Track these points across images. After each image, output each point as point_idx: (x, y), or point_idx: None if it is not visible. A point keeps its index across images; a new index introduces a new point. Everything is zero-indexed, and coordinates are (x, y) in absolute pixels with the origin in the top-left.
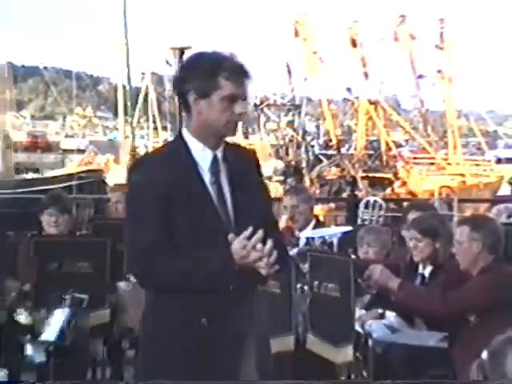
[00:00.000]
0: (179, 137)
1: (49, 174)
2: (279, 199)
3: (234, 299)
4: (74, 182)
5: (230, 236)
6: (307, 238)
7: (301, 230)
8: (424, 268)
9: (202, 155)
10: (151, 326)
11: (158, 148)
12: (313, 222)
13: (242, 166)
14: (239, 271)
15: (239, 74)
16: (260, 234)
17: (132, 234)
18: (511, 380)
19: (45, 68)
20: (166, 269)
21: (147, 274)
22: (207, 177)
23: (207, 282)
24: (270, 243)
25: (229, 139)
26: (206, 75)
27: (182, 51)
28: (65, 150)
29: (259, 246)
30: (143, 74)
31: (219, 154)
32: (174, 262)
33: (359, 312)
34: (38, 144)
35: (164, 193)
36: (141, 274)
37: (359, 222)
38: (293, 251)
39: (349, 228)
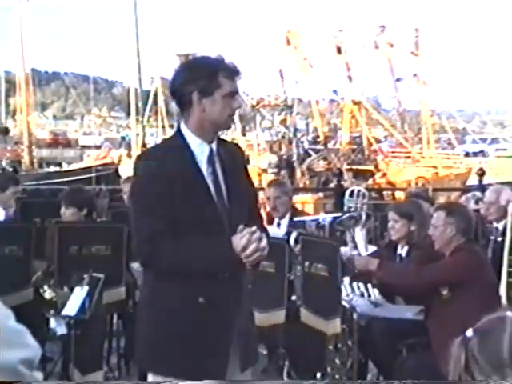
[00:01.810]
0: (178, 132)
1: (69, 167)
2: None
3: (229, 281)
4: (91, 175)
5: (241, 227)
6: (295, 222)
7: (281, 218)
8: (402, 248)
9: (200, 149)
10: (154, 305)
11: (160, 143)
12: (290, 211)
13: (231, 158)
14: (235, 258)
15: (234, 72)
16: (258, 233)
17: (137, 222)
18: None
19: (65, 73)
20: (168, 254)
21: (151, 258)
22: (205, 168)
23: (206, 267)
24: (264, 241)
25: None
26: (208, 76)
27: (186, 57)
28: (83, 146)
29: (263, 243)
30: (152, 78)
31: (214, 147)
32: (175, 248)
33: (345, 289)
34: (59, 141)
35: (166, 183)
36: (145, 258)
37: (345, 208)
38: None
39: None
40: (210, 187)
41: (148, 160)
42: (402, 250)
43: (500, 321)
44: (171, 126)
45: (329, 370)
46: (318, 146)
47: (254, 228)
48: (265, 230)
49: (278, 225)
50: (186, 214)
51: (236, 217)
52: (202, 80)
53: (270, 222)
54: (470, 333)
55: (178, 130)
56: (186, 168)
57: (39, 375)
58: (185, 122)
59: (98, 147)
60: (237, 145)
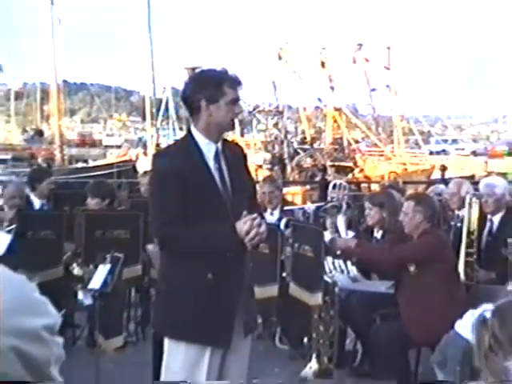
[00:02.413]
0: (189, 134)
1: (94, 163)
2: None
3: (233, 260)
4: (113, 170)
5: (244, 213)
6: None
7: (273, 209)
8: (377, 232)
9: (207, 148)
10: (169, 280)
11: (173, 143)
12: (281, 202)
13: (234, 156)
14: (238, 240)
15: (237, 83)
16: (259, 219)
17: (154, 210)
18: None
19: (91, 84)
20: (181, 237)
21: (166, 241)
22: (212, 164)
23: (213, 248)
24: (264, 226)
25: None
26: (214, 86)
27: (193, 70)
28: (106, 146)
29: (263, 228)
30: (164, 88)
31: (220, 146)
32: (186, 232)
33: (328, 267)
34: (85, 141)
35: (178, 177)
36: (161, 241)
37: (329, 198)
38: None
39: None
40: (216, 180)
41: (163, 157)
42: (378, 234)
43: None
44: (181, 129)
45: (314, 335)
46: (306, 146)
47: (255, 215)
48: (263, 217)
49: (271, 213)
50: (195, 203)
51: (238, 205)
52: (208, 89)
53: (264, 210)
54: (488, 314)
55: (189, 131)
56: (195, 164)
57: (60, 339)
58: (194, 125)
59: (119, 147)
60: (239, 145)
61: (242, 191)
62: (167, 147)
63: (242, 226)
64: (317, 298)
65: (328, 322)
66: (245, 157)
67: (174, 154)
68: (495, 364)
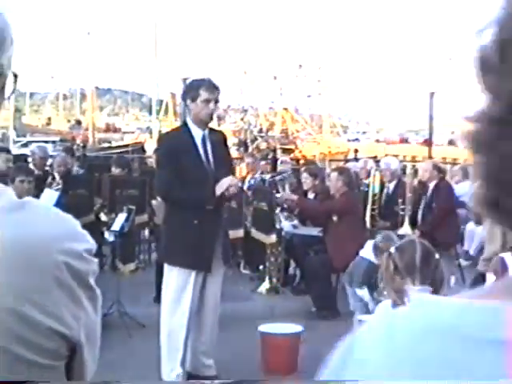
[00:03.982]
0: (184, 123)
1: (115, 144)
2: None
3: (212, 211)
4: (128, 149)
5: (232, 177)
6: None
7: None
8: (310, 195)
9: (197, 133)
10: (168, 224)
11: (174, 129)
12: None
13: (217, 139)
14: (216, 197)
15: (211, 87)
16: (236, 180)
17: (158, 175)
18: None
19: (114, 89)
20: (175, 194)
21: (166, 196)
22: (199, 144)
23: (198, 202)
24: (237, 184)
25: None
26: (194, 89)
27: (185, 80)
28: (124, 132)
29: (235, 181)
30: (171, 93)
31: (206, 132)
32: (179, 190)
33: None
34: (110, 129)
35: (175, 153)
36: (162, 196)
37: (278, 171)
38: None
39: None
40: (202, 157)
41: (166, 139)
42: (311, 196)
43: (411, 242)
44: (175, 121)
45: (267, 264)
46: (262, 134)
47: (231, 176)
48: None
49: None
50: (186, 172)
51: (217, 174)
52: (191, 92)
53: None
54: (393, 250)
55: (185, 122)
56: (187, 144)
57: (95, 260)
58: (189, 116)
59: (133, 133)
60: (221, 131)
61: (222, 165)
62: (168, 132)
63: (224, 182)
64: (270, 239)
65: (277, 255)
66: (225, 140)
67: (173, 137)
68: (397, 285)
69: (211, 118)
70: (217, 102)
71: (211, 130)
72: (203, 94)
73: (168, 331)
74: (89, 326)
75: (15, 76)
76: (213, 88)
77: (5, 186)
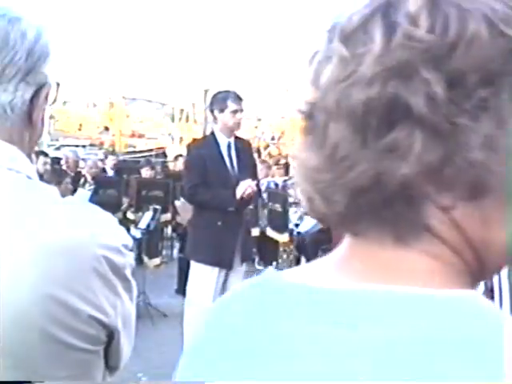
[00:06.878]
0: (212, 133)
1: (140, 149)
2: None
3: (235, 213)
4: (152, 153)
5: (248, 180)
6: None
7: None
8: None
9: (222, 141)
10: (194, 224)
11: (201, 137)
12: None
13: (242, 148)
14: (238, 200)
15: (237, 99)
16: (253, 183)
17: (186, 179)
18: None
19: (138, 99)
20: (201, 197)
21: (192, 199)
22: (224, 152)
23: (222, 205)
24: (255, 188)
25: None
26: (222, 101)
27: (206, 91)
28: (148, 138)
29: (253, 185)
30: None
31: (232, 140)
32: (205, 194)
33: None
34: (135, 134)
35: (202, 159)
36: (189, 199)
37: (290, 175)
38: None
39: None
40: (226, 163)
41: (194, 147)
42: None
43: None
44: (196, 128)
45: (280, 260)
46: (274, 141)
47: (249, 180)
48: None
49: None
50: (211, 177)
51: (241, 179)
52: (218, 104)
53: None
54: None
55: (212, 131)
56: (213, 152)
57: (131, 253)
58: (215, 126)
59: (156, 139)
60: (246, 140)
61: (245, 169)
62: (197, 140)
63: (242, 186)
64: (284, 237)
65: (289, 252)
66: (250, 148)
67: (201, 145)
68: None
69: (239, 127)
70: (242, 111)
71: (237, 138)
72: (231, 106)
73: (191, 321)
74: (125, 314)
75: (57, 85)
76: (238, 99)
77: (50, 186)
